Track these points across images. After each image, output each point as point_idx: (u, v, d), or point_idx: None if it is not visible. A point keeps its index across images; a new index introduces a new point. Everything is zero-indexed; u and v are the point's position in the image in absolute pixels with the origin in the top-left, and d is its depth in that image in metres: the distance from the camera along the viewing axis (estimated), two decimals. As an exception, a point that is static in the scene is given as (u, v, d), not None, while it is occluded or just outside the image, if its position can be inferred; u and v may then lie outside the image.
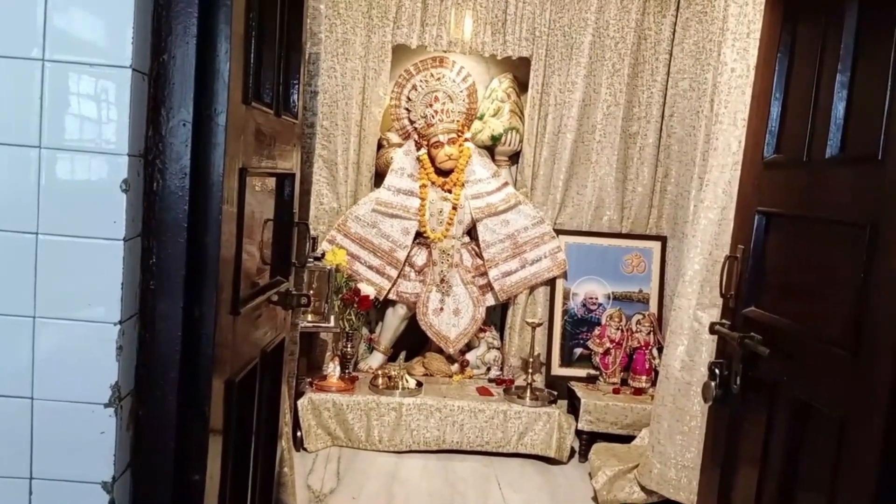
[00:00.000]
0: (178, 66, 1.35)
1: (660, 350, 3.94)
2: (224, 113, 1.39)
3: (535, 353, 4.03)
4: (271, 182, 1.91)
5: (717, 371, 1.97)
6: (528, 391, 3.92)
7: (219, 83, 1.39)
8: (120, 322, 1.33)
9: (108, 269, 1.31)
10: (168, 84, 1.35)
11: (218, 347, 1.47)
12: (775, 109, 1.96)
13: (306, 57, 2.20)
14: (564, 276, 4.28)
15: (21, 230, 1.30)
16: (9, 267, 1.30)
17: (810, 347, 1.70)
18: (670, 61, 4.24)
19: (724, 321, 2.08)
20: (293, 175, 2.02)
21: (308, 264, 2.66)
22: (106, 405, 1.33)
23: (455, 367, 4.28)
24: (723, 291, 2.10)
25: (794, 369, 1.74)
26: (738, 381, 1.91)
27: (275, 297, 1.93)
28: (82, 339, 1.32)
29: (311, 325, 3.73)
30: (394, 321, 4.31)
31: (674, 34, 4.22)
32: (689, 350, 3.18)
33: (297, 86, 1.96)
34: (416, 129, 4.22)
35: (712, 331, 2.08)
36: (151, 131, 1.36)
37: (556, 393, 4.05)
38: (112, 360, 1.33)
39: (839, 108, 1.66)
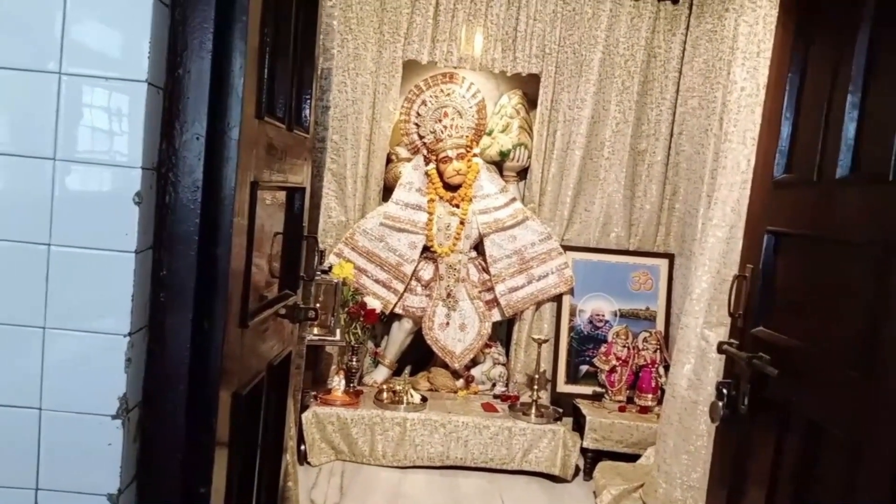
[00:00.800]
0: (193, 80, 1.36)
1: (666, 368, 3.92)
2: (237, 127, 1.40)
3: (541, 370, 4.01)
4: (281, 196, 1.92)
5: (724, 391, 1.96)
6: (534, 408, 3.90)
7: (233, 98, 1.40)
8: (129, 334, 1.33)
9: (118, 280, 1.31)
10: (183, 98, 1.36)
11: (226, 360, 1.47)
12: (786, 129, 1.96)
13: (319, 72, 2.21)
14: (571, 292, 4.27)
15: (34, 241, 1.30)
16: (20, 277, 1.31)
17: (820, 368, 1.69)
18: (680, 79, 4.25)
19: (732, 340, 2.07)
20: (303, 189, 2.02)
21: (315, 278, 2.67)
22: (113, 417, 1.33)
23: (460, 382, 4.27)
24: (731, 311, 2.09)
25: (804, 390, 1.72)
26: (746, 402, 1.89)
27: (282, 311, 1.93)
28: (91, 350, 1.32)
29: (316, 338, 3.72)
30: (399, 335, 4.30)
31: (683, 52, 4.23)
32: (696, 369, 3.17)
33: (309, 101, 1.97)
34: (424, 143, 4.23)
35: (720, 350, 2.07)
36: (165, 144, 1.37)
37: (561, 410, 4.03)
38: (121, 372, 1.33)
39: (850, 129, 1.66)
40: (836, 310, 1.68)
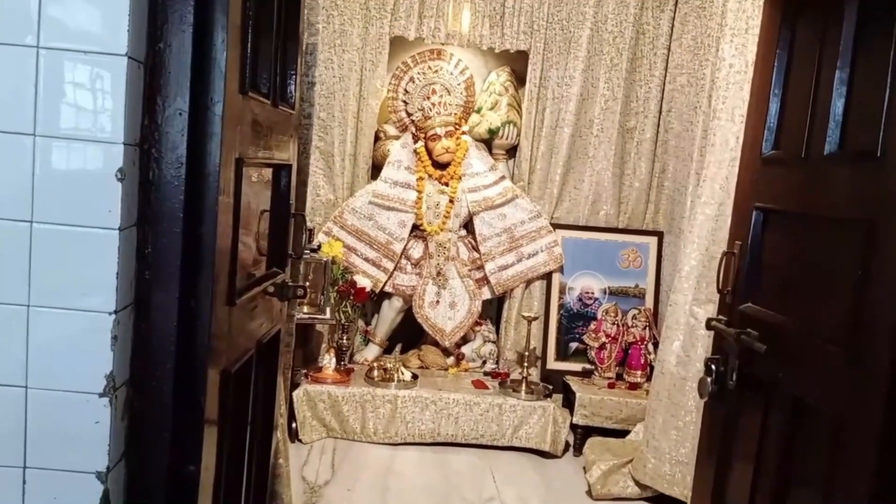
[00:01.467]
0: (174, 54, 1.34)
1: (655, 345, 3.94)
2: (220, 103, 1.39)
3: (531, 347, 4.03)
4: (268, 173, 1.90)
5: (713, 367, 1.97)
6: (524, 385, 3.92)
7: (215, 72, 1.38)
8: (115, 312, 1.32)
9: (103, 258, 1.30)
10: (164, 73, 1.34)
11: (214, 338, 1.47)
12: (774, 106, 1.96)
13: (304, 47, 2.19)
14: (561, 270, 4.28)
15: (15, 218, 1.29)
16: (3, 255, 1.30)
17: (807, 345, 1.70)
18: (668, 56, 4.23)
19: (720, 317, 2.08)
20: (290, 166, 2.01)
21: (304, 256, 2.66)
22: (101, 395, 1.33)
23: (450, 359, 4.28)
24: (720, 287, 2.10)
25: (791, 366, 1.74)
26: (735, 378, 1.91)
27: (271, 289, 1.92)
28: (77, 328, 1.31)
29: (307, 316, 3.72)
30: (390, 313, 4.31)
31: (672, 29, 4.21)
32: (685, 345, 3.19)
33: (294, 76, 1.95)
34: (413, 121, 4.20)
35: (709, 326, 2.08)
36: (147, 120, 1.35)
37: (551, 387, 4.05)
38: (107, 350, 1.32)
39: (838, 105, 1.66)
40: (823, 287, 1.68)
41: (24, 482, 1.35)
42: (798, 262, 1.81)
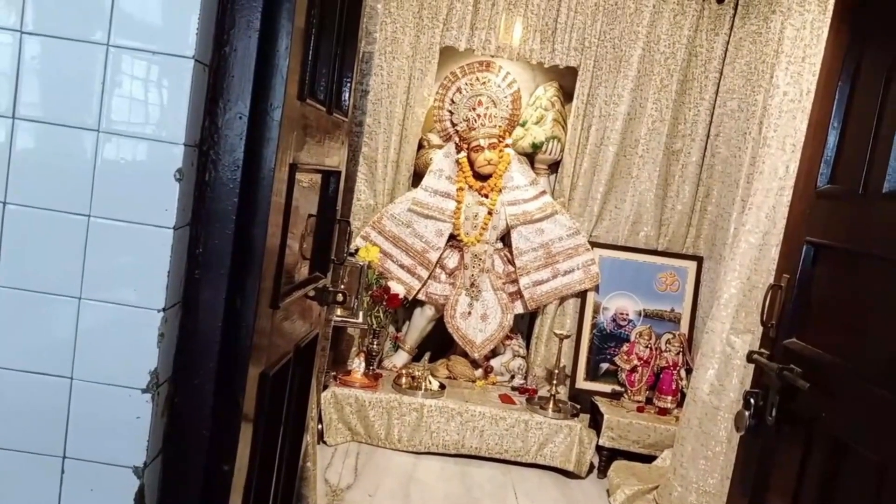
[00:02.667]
0: (238, 58, 1.36)
1: (688, 371, 3.89)
2: (280, 108, 1.40)
3: (561, 365, 4.00)
4: (317, 178, 1.91)
5: (752, 401, 1.93)
6: (551, 402, 3.89)
7: (277, 78, 1.39)
8: (164, 309, 1.33)
9: (155, 256, 1.32)
10: (227, 76, 1.36)
11: (256, 339, 1.48)
12: (832, 138, 1.92)
13: (360, 56, 2.20)
14: (596, 289, 4.24)
15: (74, 211, 1.31)
16: (59, 246, 1.32)
17: (853, 385, 1.66)
18: (720, 80, 4.18)
19: (762, 350, 2.04)
20: (339, 172, 2.02)
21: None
22: (143, 390, 1.34)
23: (479, 372, 4.27)
24: (763, 320, 2.06)
25: (835, 407, 1.69)
26: (774, 413, 1.87)
27: (312, 293, 1.93)
28: (125, 323, 1.33)
29: (339, 319, 3.74)
30: (421, 321, 4.30)
31: (726, 53, 4.16)
32: (720, 374, 3.14)
33: (349, 84, 1.96)
34: (457, 131, 4.21)
35: (750, 359, 2.04)
36: (208, 122, 1.36)
37: (578, 406, 4.01)
38: (153, 347, 1.34)
39: (901, 142, 1.62)
40: (873, 327, 1.64)
41: (63, 472, 1.36)
42: (848, 300, 1.77)
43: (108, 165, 1.30)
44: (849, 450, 1.62)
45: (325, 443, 3.73)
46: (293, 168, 1.54)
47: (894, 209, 1.63)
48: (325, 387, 3.77)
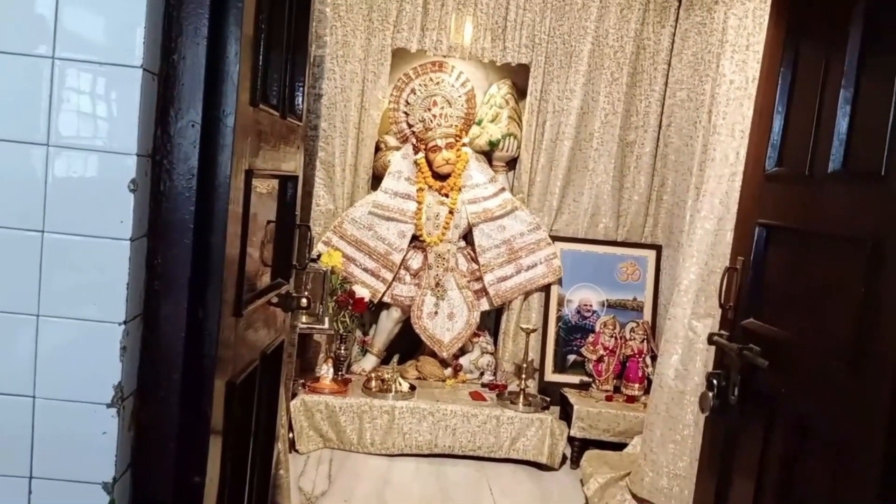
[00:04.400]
0: (187, 66, 1.35)
1: (653, 358, 3.95)
2: (233, 114, 1.39)
3: (529, 359, 4.03)
4: (274, 183, 1.90)
5: (714, 382, 1.98)
6: (521, 397, 3.92)
7: (228, 85, 1.39)
8: (124, 322, 1.32)
9: (113, 268, 1.30)
10: (177, 84, 1.35)
11: (220, 349, 1.47)
12: (777, 123, 1.97)
13: (311, 60, 2.20)
14: (559, 282, 4.29)
15: (27, 228, 1.29)
16: (14, 264, 1.30)
17: (810, 361, 1.71)
18: (669, 71, 4.26)
19: (722, 332, 2.08)
20: (296, 177, 2.01)
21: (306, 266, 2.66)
22: (108, 405, 1.33)
23: (448, 371, 4.28)
24: (722, 302, 2.11)
25: (793, 383, 1.74)
26: (736, 393, 1.91)
27: (275, 299, 1.92)
28: (86, 338, 1.31)
29: (305, 326, 3.72)
30: (388, 324, 4.30)
31: (672, 44, 4.24)
32: (683, 359, 3.19)
33: (302, 88, 1.96)
34: (414, 132, 4.22)
35: (711, 341, 2.08)
36: (160, 131, 1.35)
37: (548, 399, 4.05)
38: (115, 361, 1.32)
39: (842, 124, 1.67)
40: (826, 303, 1.69)
41: (30, 492, 1.34)
42: (801, 279, 1.83)
43: (60, 179, 1.28)
44: (808, 422, 1.67)
45: (296, 451, 3.71)
46: (249, 174, 1.53)
47: (839, 188, 1.69)
48: (294, 395, 3.75)
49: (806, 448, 1.68)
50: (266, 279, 1.91)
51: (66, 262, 1.30)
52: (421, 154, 4.19)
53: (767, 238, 1.98)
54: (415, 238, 4.23)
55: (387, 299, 4.23)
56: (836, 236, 1.68)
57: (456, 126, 4.18)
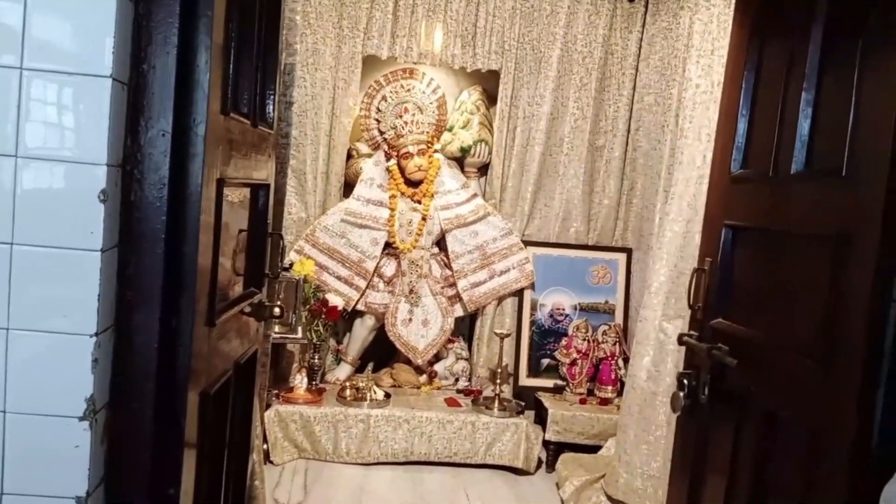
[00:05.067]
0: (157, 75, 1.35)
1: (625, 361, 3.98)
2: (203, 123, 1.39)
3: (503, 364, 4.04)
4: (245, 192, 1.90)
5: (685, 382, 2.00)
6: (496, 402, 3.93)
7: (198, 93, 1.39)
8: (96, 334, 1.31)
9: (84, 280, 1.29)
10: (147, 94, 1.34)
11: (194, 359, 1.46)
12: (742, 125, 2.01)
13: (282, 67, 2.19)
14: (532, 287, 4.31)
15: (-6, 240, 1.27)
16: (-19, 277, 1.28)
17: (778, 358, 1.74)
18: (636, 76, 4.32)
19: (691, 332, 2.11)
20: (268, 185, 2.01)
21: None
22: (81, 418, 1.31)
23: (423, 377, 4.28)
24: (691, 303, 2.13)
25: (763, 380, 1.77)
26: (707, 392, 1.94)
27: (248, 309, 1.91)
28: (57, 351, 1.30)
29: (278, 336, 3.69)
30: (362, 332, 4.29)
31: (640, 50, 4.30)
32: (655, 360, 3.23)
33: (272, 96, 1.96)
34: (385, 139, 4.22)
35: (681, 342, 2.11)
36: (130, 141, 1.34)
37: (523, 403, 4.07)
38: (87, 373, 1.31)
39: (805, 125, 1.71)
40: (793, 301, 1.73)
41: (1, 508, 1.32)
42: (768, 278, 1.86)
43: (29, 191, 1.27)
44: (778, 418, 1.70)
45: (271, 462, 3.68)
46: (221, 183, 1.53)
47: (803, 189, 1.73)
48: (268, 405, 3.72)
49: (777, 444, 1.71)
50: (238, 288, 1.90)
51: (36, 274, 1.29)
52: (393, 161, 4.19)
53: (734, 239, 2.01)
54: (388, 245, 4.23)
55: (360, 307, 4.22)
56: (801, 235, 1.72)
57: (427, 133, 4.19)
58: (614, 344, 4.19)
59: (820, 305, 1.57)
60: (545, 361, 4.30)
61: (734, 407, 1.88)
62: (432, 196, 4.20)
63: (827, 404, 1.52)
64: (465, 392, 4.20)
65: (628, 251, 4.38)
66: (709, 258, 2.09)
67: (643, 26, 4.28)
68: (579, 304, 4.35)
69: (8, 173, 1.26)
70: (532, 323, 4.32)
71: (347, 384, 3.99)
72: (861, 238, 1.47)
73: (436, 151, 4.24)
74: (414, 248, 4.19)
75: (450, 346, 4.34)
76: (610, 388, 4.10)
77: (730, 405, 1.90)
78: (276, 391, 3.86)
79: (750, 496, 1.78)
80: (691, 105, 3.16)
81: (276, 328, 3.65)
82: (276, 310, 2.06)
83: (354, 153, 4.37)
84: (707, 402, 1.94)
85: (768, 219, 1.85)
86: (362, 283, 4.19)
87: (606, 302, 4.36)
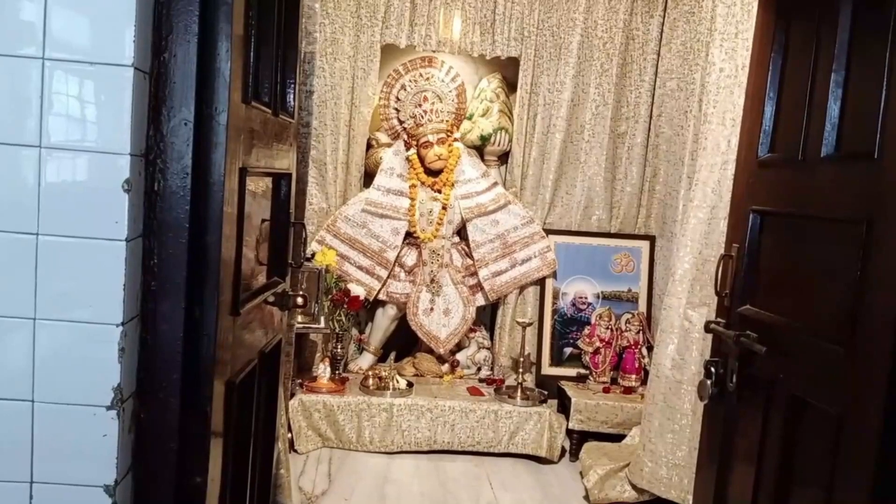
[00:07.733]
0: (179, 64, 1.34)
1: (649, 349, 3.95)
2: (225, 112, 1.38)
3: (526, 353, 4.03)
4: (268, 182, 1.90)
5: (712, 369, 1.99)
6: (519, 391, 3.92)
7: (219, 82, 1.38)
8: (122, 324, 1.31)
9: (109, 270, 1.30)
10: (169, 83, 1.34)
11: (219, 348, 1.46)
12: (769, 109, 1.98)
13: (302, 56, 2.19)
14: (554, 275, 4.29)
15: (21, 231, 1.28)
16: (8, 268, 1.29)
17: (806, 344, 1.72)
18: (658, 61, 4.26)
19: (718, 319, 2.09)
20: (290, 175, 2.01)
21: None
22: (108, 408, 1.32)
23: (445, 367, 4.28)
24: (718, 290, 2.11)
25: (791, 366, 1.75)
26: (734, 379, 1.92)
27: (271, 298, 1.92)
28: (84, 340, 1.31)
29: (301, 326, 3.71)
30: (384, 321, 4.30)
31: (661, 34, 4.24)
32: (680, 348, 3.20)
33: (293, 85, 1.95)
34: (405, 129, 4.21)
35: (707, 329, 2.09)
36: (153, 131, 1.34)
37: (546, 392, 4.05)
38: (114, 362, 1.31)
39: (834, 107, 1.68)
40: (821, 287, 1.70)
41: (31, 497, 1.34)
42: (796, 263, 1.83)
43: (54, 181, 1.28)
44: (806, 405, 1.68)
45: (295, 451, 3.70)
46: (243, 172, 1.52)
47: (832, 172, 1.69)
48: (292, 395, 3.74)
49: (804, 430, 1.69)
50: (262, 278, 1.90)
51: (62, 264, 1.29)
52: (412, 150, 4.18)
53: (761, 224, 1.99)
54: (409, 235, 4.22)
55: (382, 297, 4.22)
56: (830, 219, 1.69)
57: (447, 121, 4.17)
58: (638, 332, 4.16)
59: (848, 291, 1.55)
60: (568, 350, 4.28)
61: (762, 394, 1.86)
62: (452, 185, 4.19)
63: (854, 390, 1.50)
64: (488, 381, 4.19)
65: (651, 239, 4.34)
66: (736, 244, 2.06)
67: (665, 10, 4.22)
68: (602, 292, 4.32)
69: (32, 164, 1.27)
70: (554, 312, 4.30)
71: (370, 373, 4.00)
72: (892, 222, 1.44)
73: (455, 140, 4.22)
74: (435, 237, 4.18)
75: (472, 335, 4.33)
76: (633, 376, 4.08)
77: (757, 392, 1.88)
78: (299, 381, 3.88)
79: (778, 482, 1.77)
80: (715, 89, 3.11)
81: (299, 318, 3.67)
82: (300, 299, 2.06)
83: (374, 143, 4.36)
84: (735, 389, 1.92)
85: (796, 203, 1.82)
86: (384, 273, 4.19)
87: (629, 290, 4.33)
